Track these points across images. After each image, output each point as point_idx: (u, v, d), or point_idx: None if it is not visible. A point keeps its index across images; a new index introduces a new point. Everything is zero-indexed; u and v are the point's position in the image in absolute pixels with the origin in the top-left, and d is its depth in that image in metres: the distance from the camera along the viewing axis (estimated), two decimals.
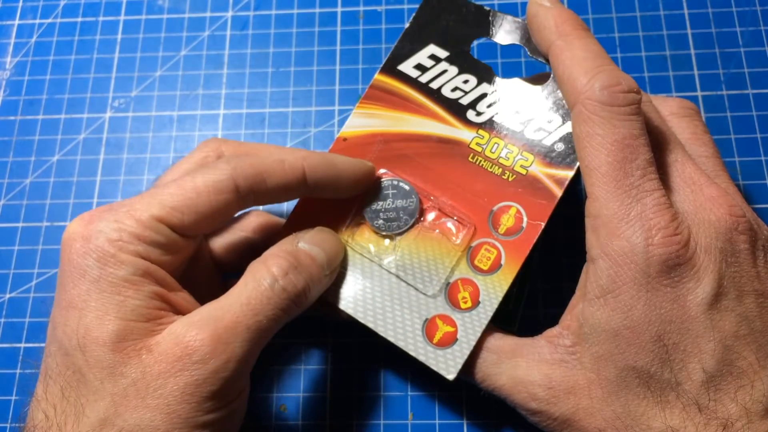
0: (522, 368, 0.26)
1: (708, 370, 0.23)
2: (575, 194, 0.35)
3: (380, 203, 0.29)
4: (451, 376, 0.26)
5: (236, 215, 0.33)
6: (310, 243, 0.27)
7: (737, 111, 0.36)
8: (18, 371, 0.34)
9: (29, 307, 0.35)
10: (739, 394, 0.23)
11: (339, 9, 0.41)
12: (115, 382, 0.23)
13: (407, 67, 0.31)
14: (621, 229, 0.24)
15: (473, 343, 0.27)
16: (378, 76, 0.31)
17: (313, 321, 0.34)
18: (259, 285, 0.25)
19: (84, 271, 0.24)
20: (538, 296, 0.33)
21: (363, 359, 0.33)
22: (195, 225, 0.25)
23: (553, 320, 0.27)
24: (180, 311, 0.25)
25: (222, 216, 0.26)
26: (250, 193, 0.26)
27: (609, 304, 0.24)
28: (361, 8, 0.40)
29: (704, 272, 0.24)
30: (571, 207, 0.32)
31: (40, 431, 0.23)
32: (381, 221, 0.29)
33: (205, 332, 0.23)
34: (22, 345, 0.35)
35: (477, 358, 0.27)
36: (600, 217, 0.24)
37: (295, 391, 0.33)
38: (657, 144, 0.26)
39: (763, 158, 0.35)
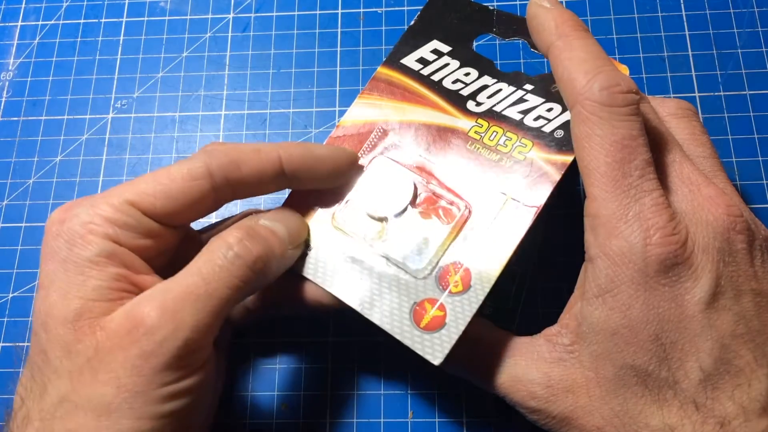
0: (521, 367, 0.26)
1: (705, 368, 0.23)
2: (575, 194, 0.35)
3: (373, 185, 0.29)
4: (437, 362, 0.26)
5: (233, 216, 0.33)
6: (271, 219, 0.27)
7: (735, 112, 0.36)
8: (21, 370, 0.34)
9: (32, 307, 0.36)
10: (737, 392, 0.23)
11: (339, 11, 0.41)
12: (72, 360, 0.23)
13: (410, 60, 0.31)
14: (619, 229, 0.24)
15: (462, 328, 0.26)
16: (381, 69, 0.31)
17: (314, 320, 0.34)
18: (213, 255, 0.25)
19: (54, 252, 0.24)
20: (537, 295, 0.33)
21: (363, 358, 0.33)
22: (170, 211, 0.26)
23: (552, 319, 0.27)
24: None
25: (198, 203, 0.26)
26: (225, 180, 0.26)
27: (607, 303, 0.24)
28: (362, 10, 0.41)
29: (702, 271, 0.24)
30: (570, 207, 0.32)
31: (15, 414, 0.23)
32: (374, 203, 0.29)
33: (153, 304, 0.23)
34: (25, 344, 0.35)
35: (476, 356, 0.27)
36: (599, 217, 0.24)
37: (295, 389, 0.33)
38: (655, 144, 0.26)
39: (760, 158, 0.35)
